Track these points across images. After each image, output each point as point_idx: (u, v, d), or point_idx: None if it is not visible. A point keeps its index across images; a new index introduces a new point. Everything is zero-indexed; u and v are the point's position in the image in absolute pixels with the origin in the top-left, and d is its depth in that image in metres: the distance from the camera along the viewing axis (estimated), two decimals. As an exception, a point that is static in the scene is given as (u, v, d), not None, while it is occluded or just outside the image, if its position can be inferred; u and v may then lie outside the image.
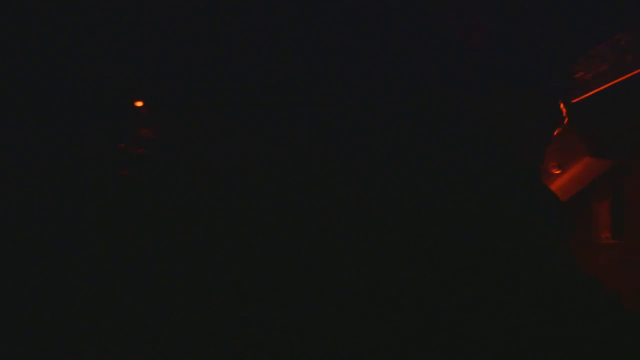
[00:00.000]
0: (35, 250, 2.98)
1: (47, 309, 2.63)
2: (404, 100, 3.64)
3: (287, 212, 3.16)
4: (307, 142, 3.50)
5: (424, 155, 3.46)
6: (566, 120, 3.57)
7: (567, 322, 2.51)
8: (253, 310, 2.68)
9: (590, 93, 3.82)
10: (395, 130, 3.51)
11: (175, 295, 2.76)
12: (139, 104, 3.68)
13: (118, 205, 3.28)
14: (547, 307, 2.60)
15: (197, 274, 2.94)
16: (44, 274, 2.86)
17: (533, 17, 3.50)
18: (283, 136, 3.54)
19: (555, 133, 3.58)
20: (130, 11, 3.59)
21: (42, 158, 3.39)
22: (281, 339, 2.46)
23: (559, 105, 3.54)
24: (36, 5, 3.40)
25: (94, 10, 3.54)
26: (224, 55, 3.69)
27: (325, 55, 3.60)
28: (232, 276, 2.95)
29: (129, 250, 3.01)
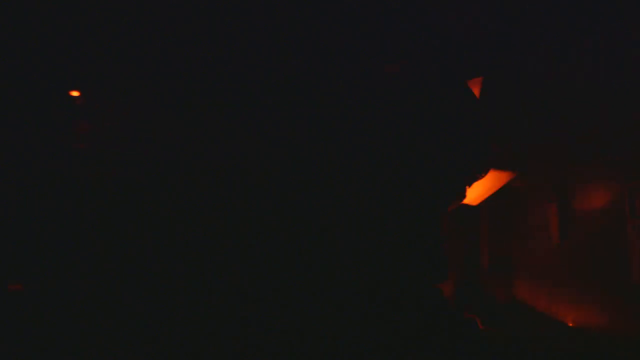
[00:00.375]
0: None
1: (47, 309, 2.63)
2: (404, 100, 3.64)
3: (286, 212, 3.16)
4: (307, 142, 3.49)
5: (424, 155, 3.46)
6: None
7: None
8: (253, 311, 2.68)
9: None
10: (395, 130, 3.50)
11: (175, 295, 2.77)
12: (75, 93, 3.64)
13: (118, 205, 3.28)
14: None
15: (197, 274, 2.94)
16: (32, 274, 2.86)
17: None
18: (282, 136, 3.53)
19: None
20: (132, 12, 3.59)
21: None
22: (281, 339, 2.46)
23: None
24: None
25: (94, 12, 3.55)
26: (224, 55, 3.68)
27: (325, 55, 3.60)
28: (232, 276, 2.96)
29: (129, 250, 3.01)
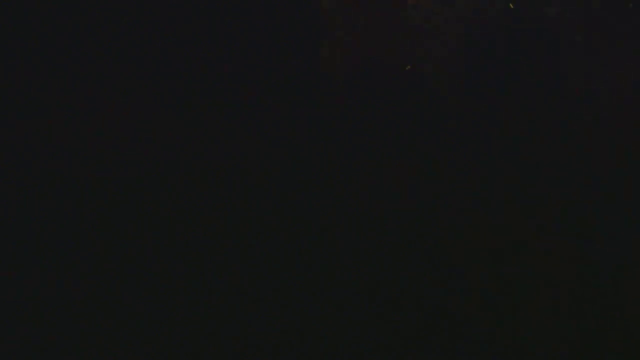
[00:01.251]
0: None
1: (47, 308, 2.63)
2: (404, 100, 3.65)
3: (286, 212, 3.17)
4: (307, 142, 3.50)
5: (424, 154, 3.47)
6: None
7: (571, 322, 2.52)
8: (253, 310, 2.68)
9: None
10: (395, 130, 3.51)
11: (175, 295, 2.77)
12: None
13: (118, 205, 3.28)
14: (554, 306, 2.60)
15: (197, 274, 2.94)
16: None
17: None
18: (282, 136, 3.54)
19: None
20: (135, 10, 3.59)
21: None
22: (281, 339, 2.46)
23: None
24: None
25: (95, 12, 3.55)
26: (224, 55, 3.68)
27: (325, 55, 3.60)
28: (232, 276, 2.95)
29: (129, 250, 3.01)
